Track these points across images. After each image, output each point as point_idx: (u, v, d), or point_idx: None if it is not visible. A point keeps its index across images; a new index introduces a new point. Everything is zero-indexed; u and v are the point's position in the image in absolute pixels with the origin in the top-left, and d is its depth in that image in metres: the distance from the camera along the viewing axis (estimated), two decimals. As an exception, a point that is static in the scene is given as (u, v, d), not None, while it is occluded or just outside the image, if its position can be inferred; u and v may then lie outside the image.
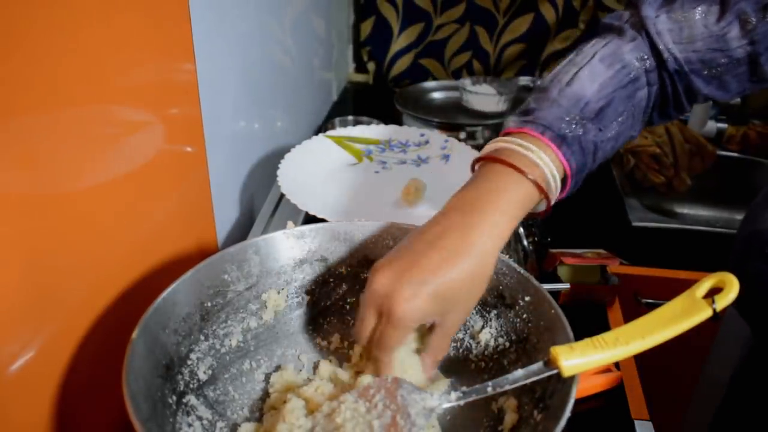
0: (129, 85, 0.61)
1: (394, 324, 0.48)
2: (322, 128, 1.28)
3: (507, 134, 0.55)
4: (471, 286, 0.49)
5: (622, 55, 0.56)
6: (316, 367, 0.61)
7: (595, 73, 0.56)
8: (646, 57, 0.57)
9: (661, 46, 0.56)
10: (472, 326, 0.59)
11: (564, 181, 0.55)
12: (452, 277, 0.48)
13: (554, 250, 0.98)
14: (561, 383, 0.46)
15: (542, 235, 0.92)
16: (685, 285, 0.48)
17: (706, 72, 0.55)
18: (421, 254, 0.49)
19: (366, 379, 0.54)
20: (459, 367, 0.59)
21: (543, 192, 0.53)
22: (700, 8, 0.55)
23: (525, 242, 0.86)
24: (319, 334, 0.63)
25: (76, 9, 0.51)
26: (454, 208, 0.51)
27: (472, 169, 0.56)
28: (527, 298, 0.55)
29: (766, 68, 0.55)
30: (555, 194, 0.55)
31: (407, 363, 0.53)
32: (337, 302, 0.64)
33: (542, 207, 0.55)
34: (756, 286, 0.54)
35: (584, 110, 0.55)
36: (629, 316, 0.63)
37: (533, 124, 0.55)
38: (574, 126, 0.54)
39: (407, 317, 0.47)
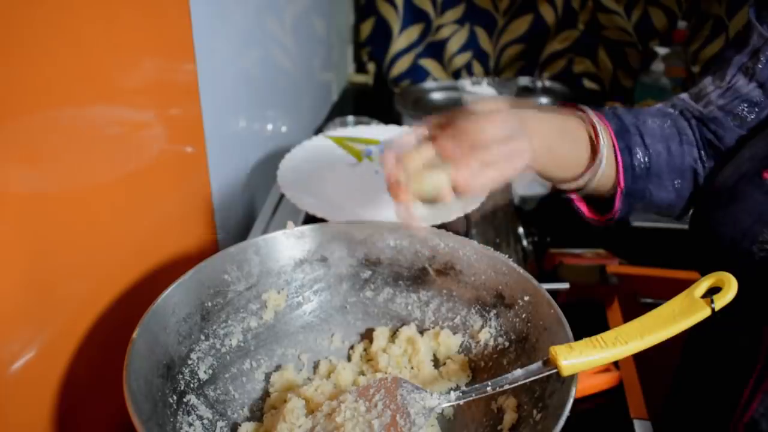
0: (129, 86, 0.61)
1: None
2: (322, 128, 1.29)
3: None
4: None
5: (655, 106, 0.68)
6: (316, 366, 0.61)
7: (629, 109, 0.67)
8: (675, 104, 0.67)
9: (686, 106, 0.66)
10: (472, 326, 0.59)
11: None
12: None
13: (554, 250, 0.98)
14: (560, 383, 0.46)
15: (542, 235, 0.92)
16: (684, 285, 0.48)
17: (732, 121, 0.62)
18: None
19: (365, 378, 0.54)
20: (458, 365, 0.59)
21: (589, 121, 0.61)
22: (707, 78, 0.65)
23: (525, 242, 0.86)
24: (319, 334, 0.63)
25: (77, 9, 0.51)
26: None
27: None
28: (527, 298, 0.55)
29: None
30: (601, 131, 0.61)
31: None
32: (336, 302, 0.64)
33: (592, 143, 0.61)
34: (713, 233, 0.58)
35: (613, 107, 0.66)
36: (628, 315, 0.63)
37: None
38: (605, 110, 0.66)
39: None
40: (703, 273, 0.56)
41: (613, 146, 0.61)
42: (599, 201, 0.66)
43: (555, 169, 0.60)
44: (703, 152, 0.64)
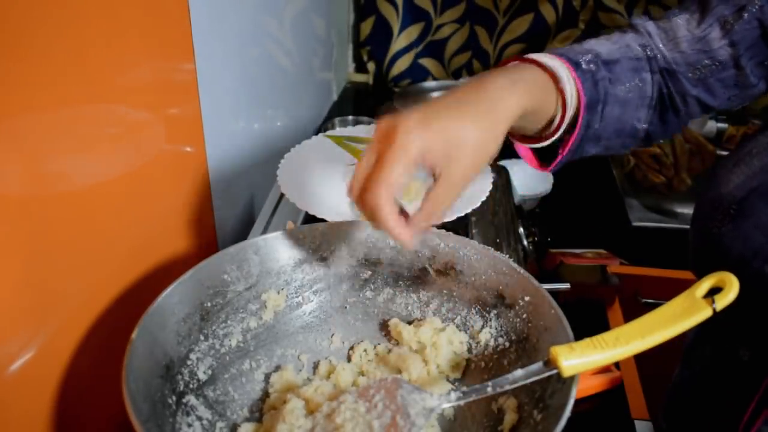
0: (129, 85, 0.61)
1: (394, 149, 0.44)
2: (321, 128, 1.28)
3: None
4: (480, 137, 0.47)
5: (626, 40, 0.61)
6: (315, 367, 0.61)
7: (603, 43, 0.60)
8: (646, 45, 0.60)
9: (651, 45, 0.60)
10: (472, 326, 0.59)
11: (575, 119, 0.57)
12: (463, 119, 0.46)
13: (554, 250, 0.98)
14: (561, 383, 0.46)
15: (542, 235, 0.92)
16: (685, 285, 0.48)
17: (691, 74, 0.59)
18: (438, 103, 0.48)
19: (365, 379, 0.54)
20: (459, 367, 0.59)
21: (560, 90, 0.54)
22: (682, 16, 0.60)
23: (525, 242, 0.86)
24: (318, 334, 0.63)
25: (77, 9, 0.51)
26: (469, 81, 0.51)
27: None
28: (527, 298, 0.55)
29: (748, 70, 0.57)
30: (570, 107, 0.56)
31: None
32: (336, 302, 0.64)
33: (557, 117, 0.56)
34: (719, 247, 0.55)
35: (597, 56, 0.58)
36: (629, 316, 0.63)
37: (550, 53, 0.57)
38: (588, 60, 0.58)
39: (408, 143, 0.44)
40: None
41: (577, 116, 0.57)
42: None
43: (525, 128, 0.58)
44: (653, 112, 0.61)
